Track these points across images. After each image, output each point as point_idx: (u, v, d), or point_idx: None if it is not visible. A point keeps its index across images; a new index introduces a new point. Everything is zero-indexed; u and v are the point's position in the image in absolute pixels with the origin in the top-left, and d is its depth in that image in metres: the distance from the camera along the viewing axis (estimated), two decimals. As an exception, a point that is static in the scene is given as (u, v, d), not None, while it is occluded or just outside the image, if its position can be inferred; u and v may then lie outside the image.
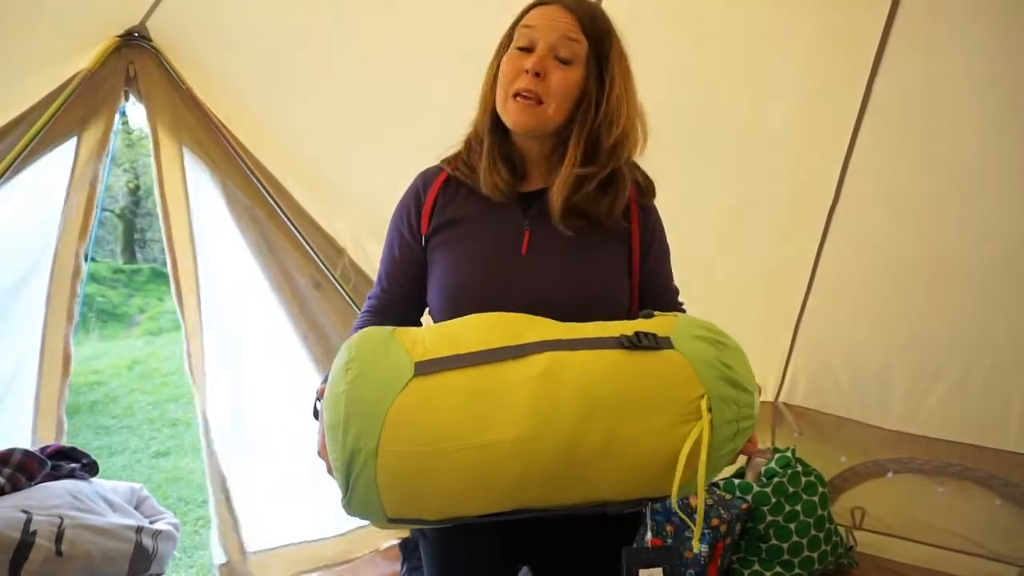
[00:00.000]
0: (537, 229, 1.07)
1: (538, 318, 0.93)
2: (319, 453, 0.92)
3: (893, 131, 2.06)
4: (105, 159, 1.91)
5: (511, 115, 1.02)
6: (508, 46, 1.08)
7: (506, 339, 0.87)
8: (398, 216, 1.16)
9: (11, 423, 2.00)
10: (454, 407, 0.82)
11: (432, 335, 0.90)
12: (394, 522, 0.88)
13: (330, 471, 0.89)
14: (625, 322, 0.94)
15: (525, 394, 0.83)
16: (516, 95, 1.01)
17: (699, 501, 0.84)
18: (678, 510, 0.88)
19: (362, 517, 0.89)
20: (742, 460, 2.54)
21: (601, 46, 1.05)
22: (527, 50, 1.03)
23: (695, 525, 0.88)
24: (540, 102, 1.01)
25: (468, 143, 1.13)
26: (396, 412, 0.81)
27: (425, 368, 0.84)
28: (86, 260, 2.00)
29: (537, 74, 1.00)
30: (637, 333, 0.88)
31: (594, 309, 0.97)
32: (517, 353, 0.85)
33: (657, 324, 0.92)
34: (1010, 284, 2.06)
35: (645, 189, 1.12)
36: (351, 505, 0.86)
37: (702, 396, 0.85)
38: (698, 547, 0.84)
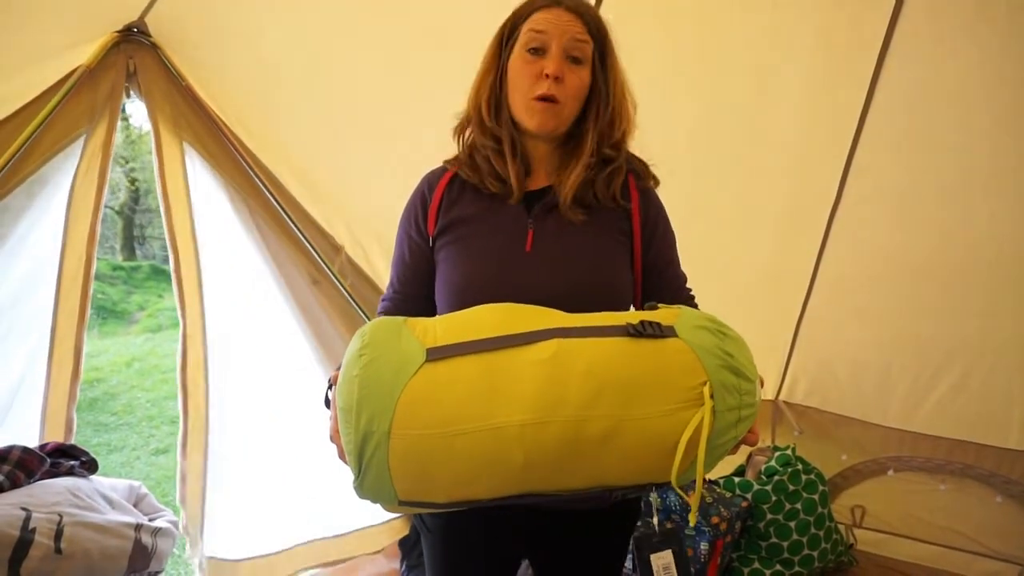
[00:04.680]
0: (541, 226, 1.09)
1: (546, 309, 0.95)
2: (331, 438, 0.94)
3: (896, 131, 2.06)
4: (110, 157, 1.89)
5: (535, 117, 1.07)
6: (506, 44, 1.10)
7: (515, 327, 0.89)
8: (405, 219, 1.18)
9: (20, 423, 1.98)
10: (464, 392, 0.84)
11: (443, 324, 0.92)
12: (404, 505, 0.90)
13: (341, 456, 0.91)
14: (630, 312, 0.97)
15: (533, 379, 0.85)
16: (537, 99, 1.05)
17: (698, 478, 0.86)
18: (679, 491, 0.89)
19: (373, 500, 0.91)
20: (743, 458, 2.53)
21: (603, 45, 1.10)
22: (538, 52, 1.06)
23: (693, 500, 0.90)
24: (556, 102, 1.05)
25: (472, 143, 1.14)
26: (408, 396, 0.83)
27: (436, 354, 0.86)
28: (89, 258, 1.98)
29: (557, 78, 1.04)
30: (642, 322, 0.90)
31: (598, 302, 0.99)
32: (526, 340, 0.88)
33: (661, 315, 0.94)
34: (1012, 284, 2.07)
35: (641, 172, 1.16)
36: (363, 488, 0.88)
37: (704, 383, 0.86)
38: (695, 520, 0.85)
